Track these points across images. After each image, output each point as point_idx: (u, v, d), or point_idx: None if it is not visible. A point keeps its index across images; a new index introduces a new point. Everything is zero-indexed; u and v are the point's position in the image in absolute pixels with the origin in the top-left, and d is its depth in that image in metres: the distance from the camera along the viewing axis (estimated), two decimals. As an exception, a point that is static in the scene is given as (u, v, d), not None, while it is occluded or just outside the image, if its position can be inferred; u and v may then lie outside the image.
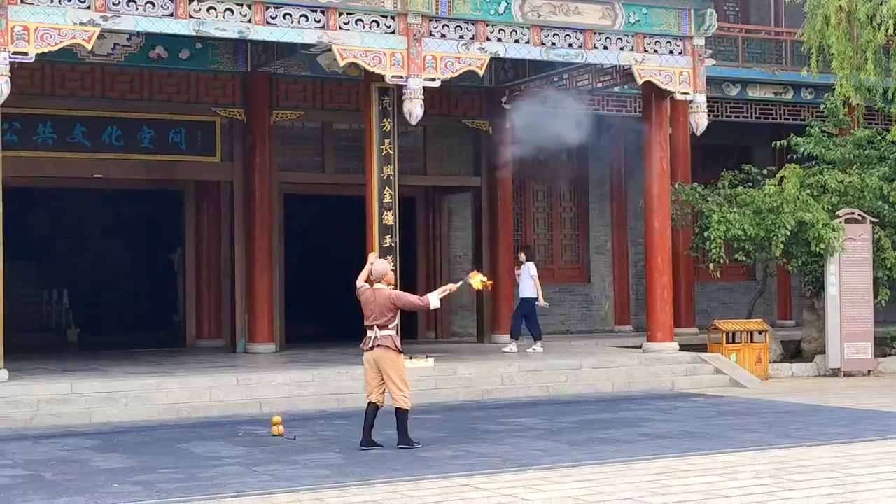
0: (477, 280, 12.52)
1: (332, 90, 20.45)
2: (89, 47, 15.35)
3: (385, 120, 17.22)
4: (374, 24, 16.38)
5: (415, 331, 22.47)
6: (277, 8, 15.83)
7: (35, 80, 18.29)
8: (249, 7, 15.68)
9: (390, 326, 11.79)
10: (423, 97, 16.54)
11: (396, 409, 11.78)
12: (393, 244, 17.20)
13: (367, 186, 17.31)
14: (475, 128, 21.69)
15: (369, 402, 11.81)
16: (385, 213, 17.21)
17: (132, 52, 18.31)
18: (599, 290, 25.05)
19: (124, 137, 19.29)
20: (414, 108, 16.51)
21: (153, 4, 15.18)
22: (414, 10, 16.42)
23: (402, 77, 16.49)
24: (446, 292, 12.14)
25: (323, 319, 24.17)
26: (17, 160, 17.41)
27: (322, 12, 16.08)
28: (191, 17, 15.44)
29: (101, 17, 14.97)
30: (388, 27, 16.46)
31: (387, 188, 17.25)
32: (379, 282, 11.93)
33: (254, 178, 19.87)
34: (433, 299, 11.94)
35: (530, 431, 12.98)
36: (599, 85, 20.51)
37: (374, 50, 16.40)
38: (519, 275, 19.77)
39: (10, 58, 14.43)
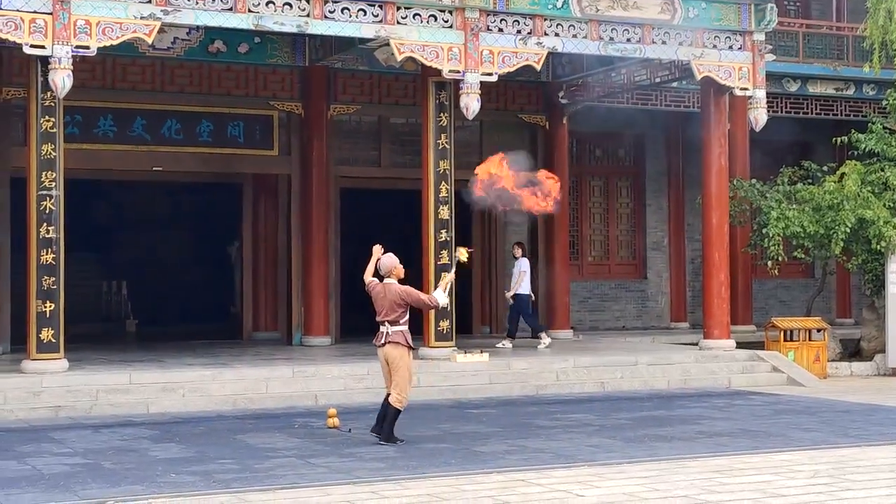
0: (462, 253, 12.36)
1: (389, 84, 20.50)
2: (150, 41, 15.49)
3: (442, 114, 17.22)
4: (432, 19, 16.39)
5: (469, 325, 22.46)
6: (336, 2, 15.89)
7: (96, 73, 18.50)
8: (308, 1, 15.74)
9: (401, 322, 11.66)
10: (479, 92, 16.54)
11: (390, 404, 11.71)
12: (448, 238, 17.20)
13: (424, 181, 17.33)
14: (531, 123, 21.65)
15: (386, 394, 11.83)
16: (441, 207, 17.21)
17: (191, 45, 18.47)
18: (656, 287, 24.89)
19: (183, 131, 19.46)
20: (471, 103, 16.51)
21: (213, -1, 15.30)
22: (471, 4, 16.42)
23: (459, 71, 16.49)
24: (447, 285, 12.17)
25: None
26: (78, 152, 17.62)
27: (380, 7, 16.12)
28: (250, 11, 15.54)
29: (161, 11, 15.11)
30: (446, 21, 16.46)
31: (443, 182, 17.25)
32: (388, 276, 11.80)
33: (310, 172, 19.97)
34: (441, 297, 11.95)
35: (585, 427, 12.94)
36: (657, 80, 20.38)
37: (431, 44, 16.41)
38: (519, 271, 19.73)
39: (72, 51, 14.60)
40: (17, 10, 14.35)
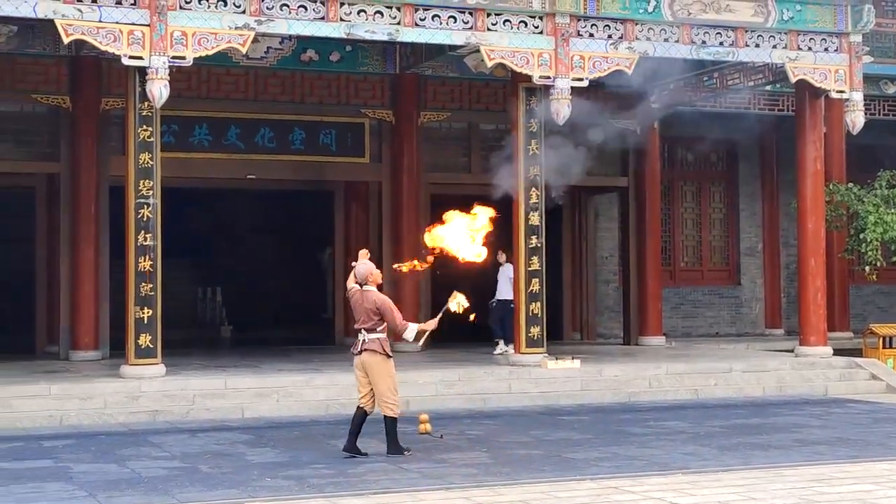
0: (455, 303, 11.69)
1: (479, 91, 20.53)
2: (244, 51, 15.72)
3: (532, 120, 17.19)
4: (522, 25, 16.39)
5: (560, 332, 22.39)
6: (426, 10, 15.97)
7: (192, 83, 18.81)
8: (399, 9, 15.85)
9: (378, 329, 11.20)
10: (570, 97, 16.49)
11: (384, 416, 11.32)
12: (539, 245, 17.17)
13: (514, 187, 17.31)
14: (623, 127, 21.52)
15: (357, 407, 11.40)
16: (531, 213, 17.18)
17: (284, 55, 18.69)
18: (750, 293, 24.58)
19: (276, 139, 19.69)
20: (561, 109, 16.47)
21: (305, 8, 15.47)
22: (562, 9, 16.38)
23: (549, 77, 16.46)
24: (427, 330, 11.50)
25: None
26: (174, 161, 17.91)
27: (470, 13, 16.16)
28: (341, 20, 15.69)
29: (255, 21, 15.32)
30: (536, 27, 16.44)
31: (533, 189, 17.22)
32: (366, 283, 11.30)
33: (401, 179, 20.08)
34: (410, 331, 11.21)
35: (679, 435, 12.81)
36: (751, 84, 20.12)
37: (521, 50, 16.41)
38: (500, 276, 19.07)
39: (168, 62, 14.88)
40: (116, 23, 14.66)
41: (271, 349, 19.97)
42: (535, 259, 17.08)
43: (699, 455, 11.36)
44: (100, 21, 14.59)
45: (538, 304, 17.10)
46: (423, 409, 14.32)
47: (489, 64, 16.48)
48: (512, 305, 17.84)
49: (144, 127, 15.31)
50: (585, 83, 16.72)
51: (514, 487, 9.72)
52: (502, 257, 19.34)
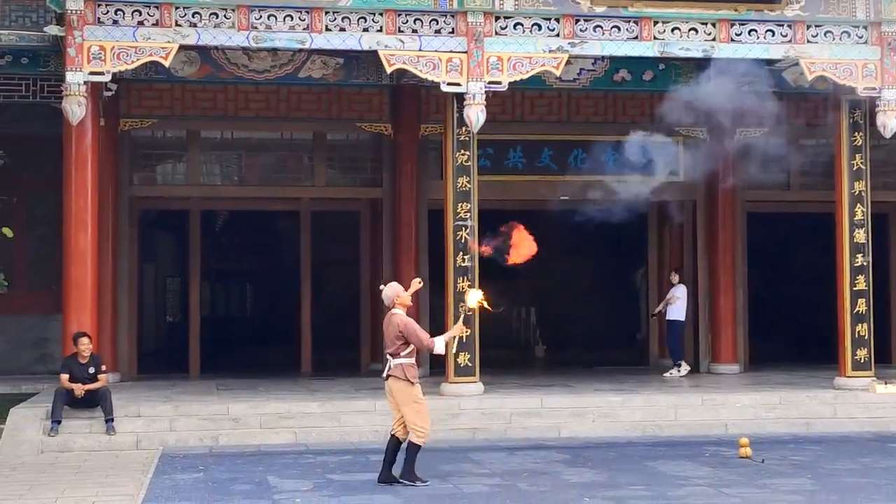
0: (472, 298, 11.76)
1: (798, 104, 19.86)
2: (558, 73, 15.90)
3: (856, 134, 16.49)
4: (845, 35, 15.81)
5: (889, 355, 21.26)
6: (742, 24, 15.68)
7: (506, 107, 19.14)
8: (714, 25, 15.64)
9: (402, 354, 10.99)
10: (896, 108, 15.73)
11: (409, 441, 11.01)
12: (865, 263, 16.44)
13: (837, 203, 16.66)
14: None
15: (391, 436, 11.20)
16: (856, 230, 16.48)
17: (597, 76, 18.71)
18: None
19: (589, 160, 19.74)
20: (888, 121, 15.77)
21: (618, 28, 15.51)
22: (889, 18, 15.65)
23: (875, 88, 15.78)
24: (455, 335, 11.58)
25: (788, 340, 23.50)
26: (489, 184, 18.29)
27: (789, 26, 15.73)
28: (655, 38, 15.61)
29: (568, 43, 15.48)
30: (860, 38, 15.82)
31: (858, 205, 16.51)
32: (392, 307, 11.14)
33: (716, 197, 19.72)
34: (439, 343, 11.13)
35: None
36: None
37: (843, 62, 15.83)
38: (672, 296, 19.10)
39: (485, 87, 15.25)
40: (436, 51, 15.18)
41: (584, 370, 20.00)
42: (860, 278, 16.37)
43: None
44: (420, 50, 15.15)
45: (865, 325, 16.37)
46: (742, 432, 13.98)
47: (809, 77, 15.97)
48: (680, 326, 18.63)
49: (462, 151, 15.74)
50: (918, 92, 15.90)
51: (844, 517, 9.34)
52: (676, 277, 19.19)
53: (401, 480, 10.94)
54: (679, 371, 18.82)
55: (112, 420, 13.85)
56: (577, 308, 27.64)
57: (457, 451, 13.30)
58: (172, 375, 18.84)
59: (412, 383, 11.01)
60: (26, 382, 17.52)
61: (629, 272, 25.12)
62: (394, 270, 18.80)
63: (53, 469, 12.29)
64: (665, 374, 18.82)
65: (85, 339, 14.27)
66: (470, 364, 15.56)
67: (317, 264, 21.19)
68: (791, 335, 23.50)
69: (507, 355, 23.88)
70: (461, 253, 15.62)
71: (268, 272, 27.16)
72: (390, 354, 11.12)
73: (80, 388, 13.91)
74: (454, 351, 14.13)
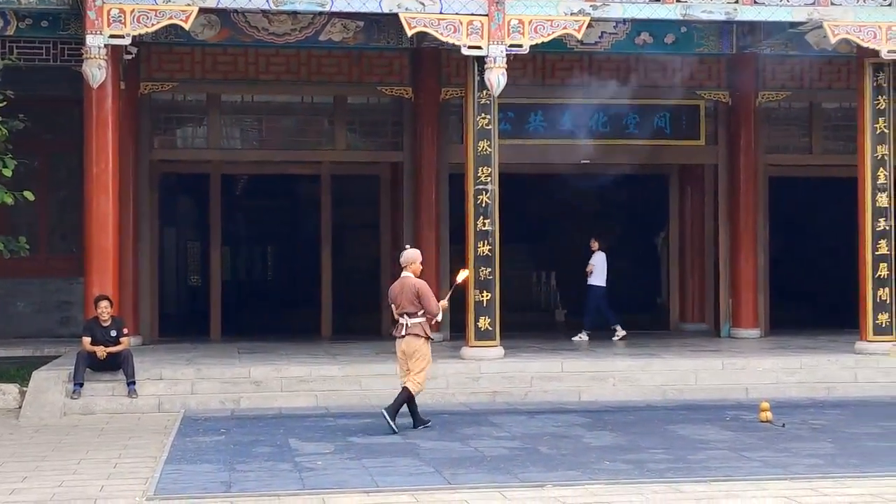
0: (461, 276, 12.97)
1: (821, 68, 19.74)
2: (579, 36, 15.82)
3: (879, 97, 16.36)
4: (868, -3, 15.67)
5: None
6: (765, -14, 15.53)
7: (527, 70, 19.06)
8: (736, -13, 15.52)
9: (419, 314, 12.01)
10: (921, 71, 15.61)
11: (403, 386, 12.00)
12: (888, 227, 16.37)
13: (860, 167, 16.56)
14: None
15: (403, 388, 12.08)
16: (878, 194, 16.39)
17: (618, 39, 18.56)
18: None
19: (609, 123, 19.68)
20: (911, 84, 15.64)
21: (640, -9, 15.38)
22: (913, -21, 15.52)
23: (898, 51, 15.64)
24: (446, 306, 12.58)
25: (808, 304, 23.44)
26: (510, 148, 18.25)
27: (812, -12, 15.59)
28: (677, 1, 15.50)
29: (590, 6, 15.38)
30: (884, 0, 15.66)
31: (880, 169, 16.41)
32: (406, 268, 12.17)
33: (738, 161, 19.63)
34: (441, 312, 12.22)
35: None
36: None
37: (868, 24, 15.69)
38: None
39: (506, 50, 15.19)
40: (456, 14, 15.11)
41: (605, 333, 19.99)
42: (882, 243, 16.31)
43: None
44: (440, 13, 15.08)
45: (887, 289, 16.32)
46: (763, 396, 13.97)
47: (833, 40, 15.84)
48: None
49: (483, 115, 15.69)
50: (940, 56, 15.76)
51: (864, 480, 9.34)
52: (594, 245, 19.58)
53: (386, 410, 11.88)
54: (585, 335, 18.90)
55: (134, 383, 13.94)
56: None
57: (477, 414, 13.35)
58: (194, 339, 18.94)
59: (429, 339, 12.13)
60: (49, 345, 17.65)
61: (650, 236, 25.04)
62: (414, 234, 18.80)
63: (76, 431, 12.39)
64: (573, 338, 18.90)
65: (104, 302, 14.34)
66: (490, 328, 15.57)
67: (337, 228, 21.20)
68: (812, 300, 23.43)
69: (527, 319, 23.89)
70: (481, 217, 15.60)
71: (288, 236, 27.21)
72: (407, 314, 12.02)
73: (101, 351, 14.00)
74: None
